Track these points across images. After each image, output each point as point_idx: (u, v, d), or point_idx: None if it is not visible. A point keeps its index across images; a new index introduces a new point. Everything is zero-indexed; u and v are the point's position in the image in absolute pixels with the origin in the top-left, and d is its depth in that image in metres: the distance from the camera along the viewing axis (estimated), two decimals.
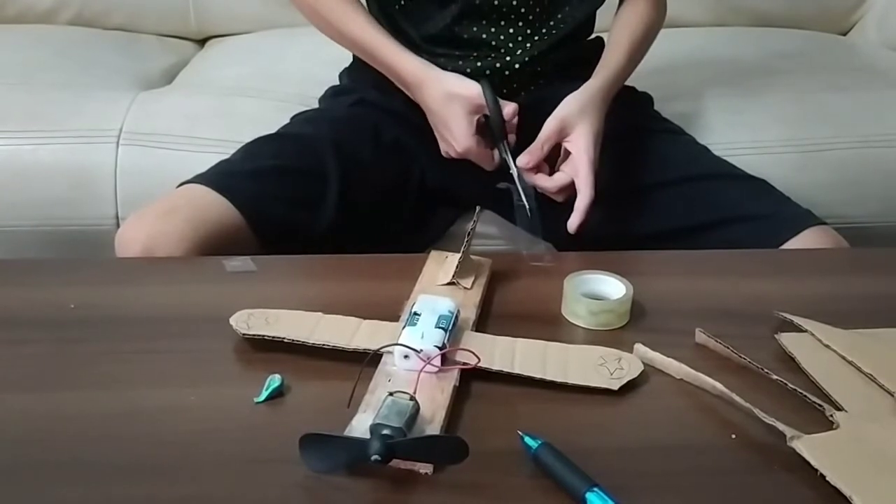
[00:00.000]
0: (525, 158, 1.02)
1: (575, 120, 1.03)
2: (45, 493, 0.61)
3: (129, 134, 1.34)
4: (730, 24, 1.87)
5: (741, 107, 1.44)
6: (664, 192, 1.10)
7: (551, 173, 1.04)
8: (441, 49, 1.13)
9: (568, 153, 1.03)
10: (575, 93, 1.05)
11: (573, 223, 0.99)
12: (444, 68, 1.07)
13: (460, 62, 1.12)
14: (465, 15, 1.12)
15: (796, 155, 1.37)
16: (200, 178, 1.04)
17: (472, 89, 1.03)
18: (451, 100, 1.03)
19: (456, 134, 1.03)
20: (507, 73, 1.13)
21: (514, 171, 1.02)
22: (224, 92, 1.48)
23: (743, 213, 1.06)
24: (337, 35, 1.14)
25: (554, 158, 1.05)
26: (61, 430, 0.67)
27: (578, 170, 1.01)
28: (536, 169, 1.03)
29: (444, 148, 1.07)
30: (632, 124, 1.17)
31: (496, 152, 1.05)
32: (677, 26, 1.79)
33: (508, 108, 1.03)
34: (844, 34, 1.91)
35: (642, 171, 1.13)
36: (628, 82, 1.17)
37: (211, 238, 0.98)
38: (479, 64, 1.13)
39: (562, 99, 1.05)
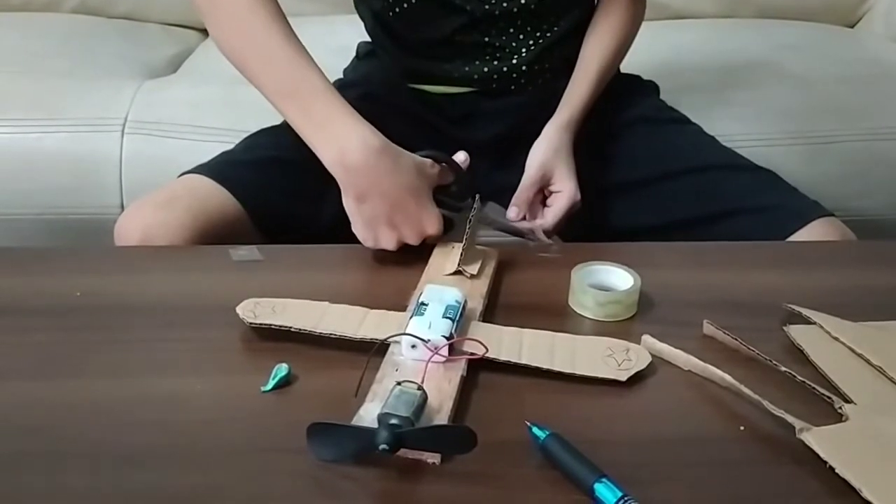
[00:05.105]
0: (514, 211, 1.02)
1: (552, 164, 1.03)
2: (52, 482, 0.61)
3: (134, 123, 1.34)
4: (737, 15, 1.87)
5: (748, 99, 1.44)
6: (671, 182, 1.10)
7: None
8: (441, 52, 1.12)
9: (552, 193, 1.05)
10: (543, 136, 1.05)
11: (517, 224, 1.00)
12: (442, 69, 1.05)
13: (463, 66, 1.11)
14: (473, 25, 1.10)
15: (803, 147, 1.37)
16: (200, 169, 1.04)
17: (424, 159, 0.90)
18: (419, 174, 0.88)
19: (429, 213, 0.89)
20: (514, 75, 1.12)
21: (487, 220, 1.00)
22: (229, 81, 1.46)
23: (750, 204, 1.05)
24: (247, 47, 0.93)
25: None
26: (68, 419, 0.67)
27: (555, 201, 1.03)
28: (528, 214, 1.03)
29: (392, 237, 0.88)
30: (638, 114, 1.16)
31: None
32: (684, 17, 1.79)
33: (460, 156, 0.94)
34: (852, 27, 1.90)
35: (649, 161, 1.12)
36: (632, 70, 1.16)
37: (210, 229, 0.97)
38: (477, 63, 1.12)
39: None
